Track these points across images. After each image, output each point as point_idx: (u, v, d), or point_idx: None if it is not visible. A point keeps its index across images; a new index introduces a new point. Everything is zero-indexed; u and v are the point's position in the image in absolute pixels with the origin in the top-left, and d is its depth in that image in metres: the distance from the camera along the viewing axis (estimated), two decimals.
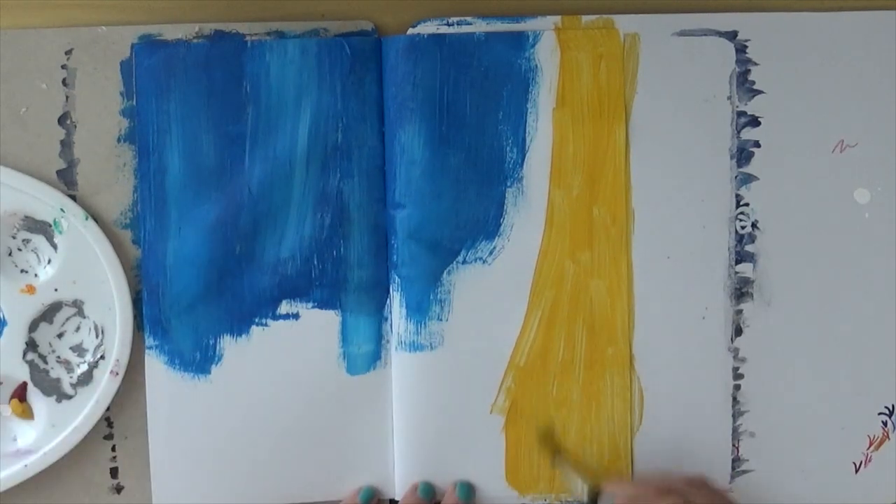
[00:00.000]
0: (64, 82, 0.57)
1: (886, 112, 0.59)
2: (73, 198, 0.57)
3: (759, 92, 0.59)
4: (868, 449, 0.60)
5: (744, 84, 0.58)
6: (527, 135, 0.58)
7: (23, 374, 0.57)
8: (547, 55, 0.58)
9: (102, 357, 0.57)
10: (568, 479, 0.58)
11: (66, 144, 0.57)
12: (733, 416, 0.59)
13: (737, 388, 0.59)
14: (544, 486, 0.59)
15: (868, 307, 0.60)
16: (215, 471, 0.58)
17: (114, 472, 0.59)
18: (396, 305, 0.58)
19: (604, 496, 0.54)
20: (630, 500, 0.51)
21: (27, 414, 0.58)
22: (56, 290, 0.57)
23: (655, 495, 0.50)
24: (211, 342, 0.58)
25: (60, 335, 0.58)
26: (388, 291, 0.59)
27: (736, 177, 0.59)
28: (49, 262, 0.58)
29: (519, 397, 0.59)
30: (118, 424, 0.58)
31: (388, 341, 0.59)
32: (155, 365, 0.58)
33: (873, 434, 0.60)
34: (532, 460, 0.59)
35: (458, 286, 0.58)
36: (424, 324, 0.58)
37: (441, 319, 0.58)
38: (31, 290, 0.57)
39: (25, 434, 0.58)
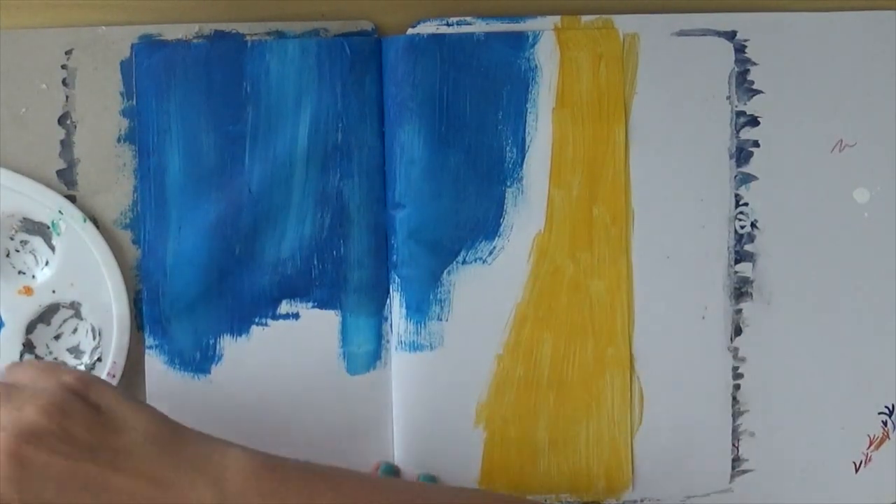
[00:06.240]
0: (64, 82, 0.57)
1: (886, 112, 0.59)
2: (73, 198, 0.57)
3: (759, 92, 0.59)
4: (868, 449, 0.60)
5: (743, 84, 0.59)
6: (526, 135, 0.58)
7: None
8: (547, 55, 0.58)
9: (99, 359, 0.57)
10: None
11: (66, 144, 0.57)
12: (733, 415, 0.59)
13: (737, 387, 0.59)
14: (544, 486, 0.59)
15: (868, 307, 0.60)
16: None
17: None
18: (396, 305, 0.58)
19: None
20: None
21: None
22: (54, 291, 0.57)
23: None
24: (211, 342, 0.58)
25: (57, 337, 0.58)
26: (388, 291, 0.59)
27: (735, 176, 0.59)
28: (47, 263, 0.57)
29: (518, 398, 0.59)
30: None
31: (388, 341, 0.59)
32: (155, 365, 0.58)
33: (873, 434, 0.60)
34: (533, 459, 0.59)
35: (458, 286, 0.58)
36: (424, 324, 0.58)
37: (441, 319, 0.58)
38: (28, 291, 0.57)
39: None
